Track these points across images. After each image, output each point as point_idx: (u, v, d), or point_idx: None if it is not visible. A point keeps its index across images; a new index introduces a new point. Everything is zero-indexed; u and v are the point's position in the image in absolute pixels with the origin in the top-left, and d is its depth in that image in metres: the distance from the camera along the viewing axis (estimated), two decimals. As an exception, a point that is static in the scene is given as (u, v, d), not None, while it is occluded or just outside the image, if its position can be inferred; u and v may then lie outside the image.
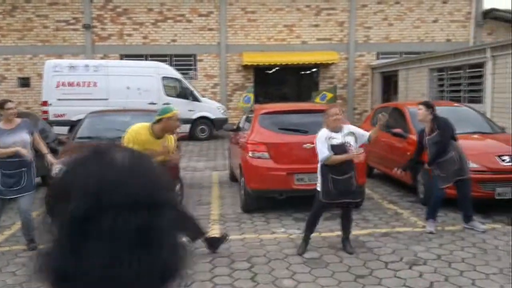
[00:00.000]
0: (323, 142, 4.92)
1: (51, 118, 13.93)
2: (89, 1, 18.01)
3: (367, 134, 5.23)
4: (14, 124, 5.32)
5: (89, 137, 7.31)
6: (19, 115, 6.81)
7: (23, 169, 5.22)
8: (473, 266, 4.59)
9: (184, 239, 0.80)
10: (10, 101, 5.54)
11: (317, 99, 14.77)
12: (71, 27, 18.14)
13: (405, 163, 6.23)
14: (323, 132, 4.99)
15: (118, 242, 0.69)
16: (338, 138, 4.91)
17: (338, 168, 4.88)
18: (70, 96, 14.44)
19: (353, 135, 5.05)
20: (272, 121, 7.01)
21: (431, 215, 5.70)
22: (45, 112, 14.11)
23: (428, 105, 5.81)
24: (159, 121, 4.65)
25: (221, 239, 5.16)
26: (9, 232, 6.00)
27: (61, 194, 0.74)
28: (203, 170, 10.65)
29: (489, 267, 4.58)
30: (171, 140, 4.84)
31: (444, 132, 5.63)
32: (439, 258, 4.81)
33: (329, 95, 14.67)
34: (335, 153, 4.87)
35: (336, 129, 4.97)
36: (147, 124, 4.74)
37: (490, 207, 6.43)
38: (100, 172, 0.73)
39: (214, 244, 5.09)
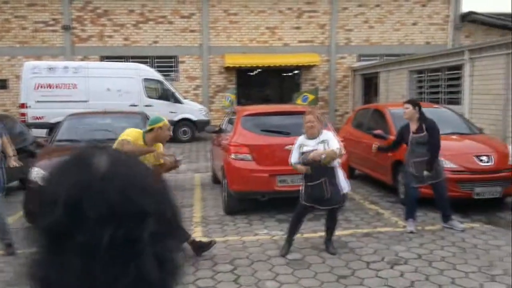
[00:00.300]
0: (295, 148, 5.04)
1: (30, 120, 13.70)
2: (68, 2, 17.78)
3: (337, 147, 4.91)
4: None
5: (68, 140, 7.19)
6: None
7: None
8: (453, 265, 4.66)
9: (174, 250, 0.74)
10: None
11: (299, 101, 14.81)
12: (50, 28, 17.87)
13: (384, 145, 6.37)
14: (299, 139, 5.09)
15: (93, 256, 0.64)
16: (309, 146, 4.90)
17: (309, 174, 4.88)
18: (49, 98, 14.20)
19: (325, 143, 4.91)
20: (255, 123, 7.01)
21: (409, 215, 5.77)
22: (23, 114, 13.86)
23: (414, 104, 5.88)
24: (150, 130, 4.67)
25: (208, 245, 5.10)
26: (-14, 237, 5.85)
27: (40, 202, 0.71)
28: (185, 172, 10.58)
29: (468, 265, 4.66)
30: (158, 147, 4.85)
31: (435, 133, 5.68)
32: (419, 258, 4.88)
33: (311, 97, 14.74)
34: (305, 160, 4.88)
35: (312, 136, 4.95)
36: (141, 131, 4.79)
37: (468, 207, 6.54)
38: (78, 180, 0.68)
39: (200, 248, 5.04)
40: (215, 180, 8.90)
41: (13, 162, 5.44)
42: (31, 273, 0.68)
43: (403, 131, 5.90)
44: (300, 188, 5.14)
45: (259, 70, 19.30)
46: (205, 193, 8.31)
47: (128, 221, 0.66)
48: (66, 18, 17.82)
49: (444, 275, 4.42)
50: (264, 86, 21.02)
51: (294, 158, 5.04)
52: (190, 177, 9.98)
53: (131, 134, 4.66)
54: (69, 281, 0.65)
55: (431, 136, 5.63)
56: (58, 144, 7.04)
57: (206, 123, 15.88)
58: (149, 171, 0.76)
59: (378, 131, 7.76)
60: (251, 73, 19.85)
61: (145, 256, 0.67)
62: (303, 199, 5.02)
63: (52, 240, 0.66)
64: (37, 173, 5.97)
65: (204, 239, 5.29)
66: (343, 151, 5.02)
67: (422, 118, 5.74)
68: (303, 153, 4.92)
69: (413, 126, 5.76)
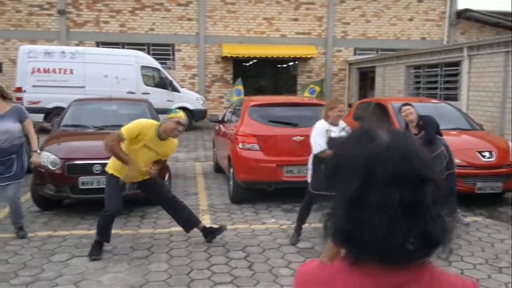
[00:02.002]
0: (320, 134, 4.81)
1: (26, 105, 13.48)
2: (64, -14, 17.53)
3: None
4: (2, 110, 5.12)
5: (74, 125, 7.17)
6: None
7: (13, 155, 5.09)
8: (461, 257, 4.79)
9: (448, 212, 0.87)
10: None
11: (306, 93, 14.86)
12: (45, 12, 17.62)
13: None
14: (322, 124, 4.90)
15: (386, 213, 0.78)
16: (335, 132, 4.98)
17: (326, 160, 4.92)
18: (45, 83, 14.07)
19: (346, 131, 5.10)
20: (262, 114, 7.06)
21: None
22: (19, 98, 13.68)
23: (412, 105, 5.96)
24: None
25: (219, 230, 5.18)
26: (-6, 220, 5.86)
27: (336, 168, 0.86)
28: (185, 161, 10.62)
29: (475, 257, 4.80)
30: (172, 144, 4.82)
31: (430, 128, 5.76)
32: (427, 249, 5.00)
33: (317, 89, 14.79)
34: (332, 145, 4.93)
35: (336, 124, 5.01)
36: (156, 123, 4.78)
37: (469, 201, 6.70)
38: (369, 150, 0.82)
39: (211, 234, 5.12)
40: (217, 169, 8.96)
41: (35, 159, 5.28)
42: (335, 227, 0.83)
43: None
44: (307, 178, 5.17)
45: (254, 61, 19.29)
46: (208, 181, 8.36)
47: (411, 184, 0.80)
48: (62, 2, 17.57)
49: (452, 266, 4.55)
50: (259, 77, 21.02)
51: (320, 144, 4.78)
52: (191, 166, 10.01)
53: (138, 126, 4.61)
54: (370, 233, 0.79)
55: (427, 131, 5.66)
56: (64, 129, 7.02)
57: (204, 112, 15.91)
58: (419, 143, 0.89)
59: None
60: (246, 64, 19.82)
61: (428, 215, 0.80)
62: (314, 187, 5.05)
63: (353, 199, 0.81)
64: (46, 157, 5.95)
65: (215, 226, 5.36)
66: None
67: (419, 117, 5.83)
68: (330, 138, 4.85)
69: (414, 128, 5.82)
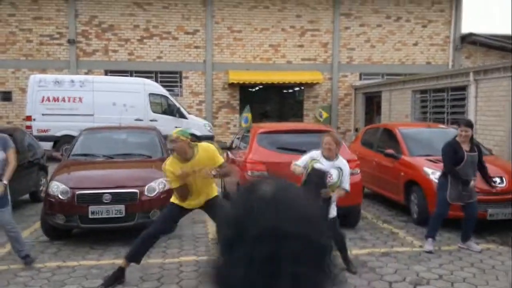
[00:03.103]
0: (306, 156, 4.97)
1: (35, 133, 13.66)
2: (74, 16, 17.94)
3: (347, 185, 4.99)
4: None
5: (84, 154, 7.22)
6: (4, 130, 6.64)
7: None
8: (475, 286, 4.71)
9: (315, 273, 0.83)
10: None
11: (317, 115, 15.01)
12: (56, 41, 17.98)
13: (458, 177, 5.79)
14: (315, 152, 5.00)
15: (252, 267, 0.78)
16: (323, 165, 4.86)
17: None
18: (55, 111, 14.25)
19: (340, 171, 4.95)
20: (270, 141, 7.09)
21: (431, 233, 5.82)
22: (29, 127, 13.85)
23: (471, 125, 5.95)
24: None
25: None
26: (4, 250, 5.85)
27: (221, 222, 0.89)
28: (193, 188, 10.59)
29: (490, 286, 4.71)
30: (204, 151, 4.70)
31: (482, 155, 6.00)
32: (441, 278, 4.93)
33: (325, 114, 14.88)
34: (314, 176, 4.78)
35: (329, 158, 4.95)
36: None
37: (482, 228, 6.61)
38: (245, 202, 0.83)
39: None
40: (226, 196, 8.93)
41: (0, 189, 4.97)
42: (211, 274, 0.84)
43: (456, 149, 5.76)
44: None
45: (261, 86, 19.46)
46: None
47: (278, 240, 0.79)
48: (72, 32, 17.95)
49: (467, 296, 4.47)
50: (265, 102, 21.15)
51: (300, 161, 4.95)
52: (199, 193, 9.98)
53: (165, 170, 4.73)
54: (234, 285, 0.79)
55: (479, 154, 5.90)
56: (74, 158, 7.06)
57: (210, 138, 15.96)
58: (307, 200, 0.88)
59: (389, 151, 7.86)
60: (252, 89, 20.00)
61: (284, 274, 0.79)
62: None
63: (225, 250, 0.82)
64: (56, 186, 5.98)
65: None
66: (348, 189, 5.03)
67: (472, 138, 5.88)
68: (313, 168, 4.84)
69: (467, 146, 5.82)
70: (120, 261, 4.92)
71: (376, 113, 18.08)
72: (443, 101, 13.16)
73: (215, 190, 5.01)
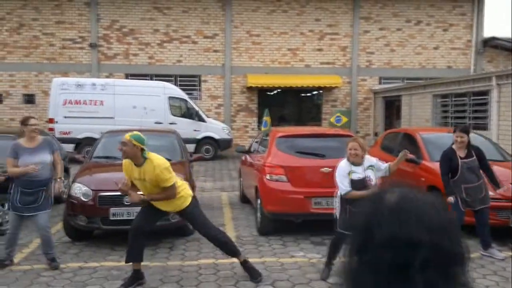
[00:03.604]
0: (343, 176, 4.85)
1: (57, 135, 13.89)
2: (96, 21, 18.24)
3: (386, 166, 5.09)
4: (36, 142, 5.29)
5: (105, 157, 7.33)
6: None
7: (42, 188, 5.22)
8: (498, 294, 4.63)
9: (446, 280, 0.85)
10: (33, 117, 5.53)
11: (332, 119, 14.89)
12: (78, 45, 18.30)
13: (448, 188, 5.83)
14: (343, 165, 4.92)
15: (376, 274, 0.81)
16: (358, 173, 4.84)
17: (357, 201, 4.80)
18: (76, 114, 14.50)
19: (373, 169, 4.97)
20: (289, 145, 7.08)
21: None
22: (51, 129, 14.11)
23: (467, 131, 5.92)
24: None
25: (255, 277, 4.99)
26: (28, 250, 5.97)
27: (351, 228, 0.93)
28: (211, 191, 10.66)
29: (514, 295, 4.62)
30: (151, 167, 4.56)
31: (484, 159, 5.88)
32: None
33: (344, 119, 14.80)
34: (356, 188, 4.78)
35: (356, 163, 4.94)
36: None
37: (505, 235, 6.48)
38: (371, 210, 0.87)
39: (249, 272, 5.02)
40: (244, 200, 8.96)
41: (59, 186, 5.42)
42: (343, 275, 0.88)
43: (451, 157, 5.78)
44: (335, 212, 5.11)
45: (279, 90, 19.47)
46: (235, 212, 8.35)
47: (403, 248, 0.81)
48: (93, 36, 18.25)
49: (490, 304, 4.39)
50: (283, 106, 21.15)
51: (345, 186, 4.83)
52: (217, 196, 10.04)
53: (123, 169, 4.83)
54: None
55: (482, 159, 5.80)
56: (96, 160, 7.18)
57: (229, 141, 16.06)
58: (435, 207, 0.88)
59: (410, 156, 7.76)
60: (270, 93, 20.02)
61: (415, 281, 0.80)
62: (340, 226, 4.92)
63: (354, 254, 0.86)
64: (78, 188, 6.08)
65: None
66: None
67: (470, 144, 5.83)
68: (353, 180, 4.81)
69: (462, 152, 5.77)
70: (141, 264, 4.97)
71: (396, 117, 17.91)
72: (464, 106, 12.96)
73: (187, 200, 4.87)
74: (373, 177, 4.91)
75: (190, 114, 15.58)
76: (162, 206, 4.82)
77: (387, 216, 0.84)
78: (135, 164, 4.63)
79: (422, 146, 7.86)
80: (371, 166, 4.92)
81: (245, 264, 5.02)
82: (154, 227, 5.44)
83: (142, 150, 4.58)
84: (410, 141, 8.45)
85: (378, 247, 0.81)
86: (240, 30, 18.79)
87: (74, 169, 8.54)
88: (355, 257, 0.86)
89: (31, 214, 5.20)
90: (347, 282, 0.86)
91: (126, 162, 4.74)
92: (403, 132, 9.20)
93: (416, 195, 0.89)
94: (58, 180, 5.44)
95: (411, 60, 19.31)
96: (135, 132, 4.69)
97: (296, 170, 6.70)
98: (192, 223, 5.07)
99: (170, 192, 4.68)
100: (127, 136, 4.56)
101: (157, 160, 4.62)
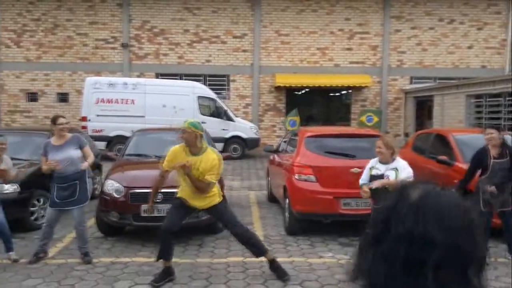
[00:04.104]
0: (366, 169, 5.12)
1: (90, 133, 14.25)
2: (128, 21, 18.58)
3: (406, 176, 4.87)
4: (63, 140, 5.44)
5: (136, 154, 7.46)
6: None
7: (76, 181, 5.36)
8: (535, 301, 4.48)
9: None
10: (62, 116, 5.66)
11: (363, 119, 14.71)
12: (110, 45, 18.69)
13: (462, 183, 5.89)
14: (372, 160, 5.13)
15: (389, 264, 0.82)
16: (379, 170, 4.90)
17: (377, 197, 4.75)
18: (108, 112, 14.83)
19: (396, 171, 4.89)
20: (318, 144, 7.04)
21: None
22: (84, 127, 14.47)
23: (499, 129, 5.78)
24: None
25: (282, 276, 4.99)
26: (62, 244, 6.14)
27: (372, 220, 0.93)
28: (239, 190, 10.71)
29: (552, 302, 4.47)
30: (208, 158, 4.68)
31: None
32: (498, 291, 4.72)
33: (375, 119, 14.61)
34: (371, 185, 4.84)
35: (383, 161, 4.95)
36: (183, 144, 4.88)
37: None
38: (391, 204, 0.87)
39: (275, 272, 5.03)
40: (271, 199, 8.97)
41: (84, 165, 5.39)
42: (356, 266, 0.89)
43: (481, 157, 5.68)
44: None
45: (307, 90, 19.38)
46: (262, 211, 8.37)
47: (419, 244, 0.81)
48: (125, 36, 18.60)
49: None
50: (311, 105, 21.04)
51: (362, 179, 5.12)
52: (245, 195, 10.07)
53: (168, 153, 4.90)
54: (373, 279, 0.84)
55: None
56: (127, 158, 7.32)
57: (257, 141, 16.10)
58: (458, 207, 0.86)
59: (442, 157, 7.61)
60: (298, 93, 19.96)
61: (427, 278, 0.80)
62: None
63: (371, 245, 0.87)
64: (111, 185, 6.22)
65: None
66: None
67: (505, 144, 5.65)
68: (372, 175, 4.93)
69: (495, 152, 5.61)
70: (171, 261, 5.03)
71: (427, 118, 17.55)
72: (499, 106, 12.59)
73: (216, 197, 4.94)
74: (392, 178, 4.84)
75: (218, 113, 15.70)
76: (194, 201, 4.87)
77: (407, 211, 0.84)
78: (192, 153, 4.72)
79: (455, 147, 7.68)
80: (395, 168, 4.86)
81: (272, 263, 5.03)
82: (183, 225, 5.52)
83: (201, 136, 4.72)
84: (442, 142, 8.27)
85: (394, 240, 0.82)
86: (269, 29, 18.79)
87: (106, 167, 8.74)
88: (370, 249, 0.86)
89: (68, 208, 5.36)
90: (361, 273, 0.87)
91: (177, 148, 4.82)
92: (435, 133, 9.01)
93: (440, 193, 0.88)
94: (86, 162, 5.44)
95: (443, 60, 18.89)
96: (190, 120, 4.87)
97: (325, 170, 6.66)
98: (221, 220, 5.13)
99: (207, 187, 4.76)
100: (185, 123, 4.72)
101: (217, 154, 4.81)
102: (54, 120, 5.52)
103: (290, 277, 4.99)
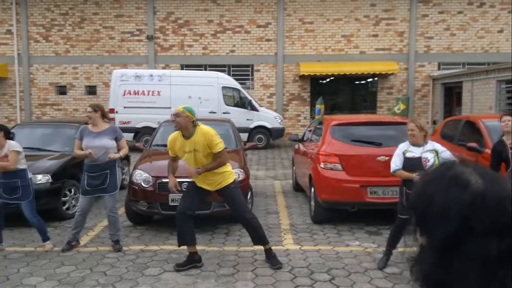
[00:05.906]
0: (398, 154, 4.89)
1: (117, 124, 14.52)
2: (152, 13, 18.74)
3: (451, 155, 4.92)
4: (101, 128, 5.58)
5: (163, 145, 7.56)
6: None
7: (106, 171, 5.49)
8: None
9: None
10: (90, 106, 5.74)
11: (395, 108, 14.56)
12: (136, 38, 18.92)
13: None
14: (402, 145, 4.97)
15: (483, 264, 0.75)
16: (415, 152, 4.82)
17: (410, 181, 4.65)
18: (135, 104, 15.06)
19: (434, 153, 4.84)
20: (344, 133, 6.98)
21: None
22: (112, 119, 14.65)
23: None
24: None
25: (274, 263, 5.06)
26: (93, 233, 6.32)
27: (425, 212, 0.83)
28: (264, 179, 10.74)
29: None
30: (202, 134, 4.79)
31: None
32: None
33: (402, 106, 14.42)
34: (409, 166, 4.75)
35: (416, 144, 4.88)
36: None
37: None
38: (464, 199, 0.80)
39: (269, 259, 5.11)
40: (297, 188, 8.97)
41: (113, 155, 5.50)
42: (424, 274, 0.81)
43: (501, 149, 5.38)
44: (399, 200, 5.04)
45: (332, 78, 19.20)
46: (288, 200, 8.39)
47: (509, 233, 0.76)
48: (150, 29, 18.79)
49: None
50: (336, 94, 20.85)
51: (395, 164, 4.85)
52: (270, 184, 10.11)
53: (168, 142, 5.10)
54: (465, 284, 0.77)
55: None
56: (155, 148, 7.44)
57: (281, 130, 16.08)
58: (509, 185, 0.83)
59: (472, 144, 7.45)
60: (323, 81, 19.79)
61: None
62: (399, 211, 4.91)
63: (445, 247, 0.79)
64: (139, 175, 6.34)
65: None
66: None
67: None
68: (407, 158, 4.81)
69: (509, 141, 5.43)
70: (196, 248, 5.12)
71: (455, 104, 17.16)
72: (532, 91, 12.19)
73: (230, 177, 5.03)
74: (431, 160, 4.76)
75: (243, 103, 15.74)
76: (206, 183, 4.94)
77: (484, 202, 0.78)
78: (184, 137, 4.85)
79: (485, 134, 7.50)
80: (433, 150, 4.80)
81: (269, 251, 5.11)
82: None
83: (193, 122, 4.82)
84: (472, 129, 8.09)
85: (482, 236, 0.76)
86: (293, 18, 18.65)
87: (134, 157, 8.91)
88: (446, 253, 0.79)
89: (99, 195, 5.51)
90: (442, 275, 0.79)
91: (173, 137, 4.95)
92: (464, 120, 8.81)
93: (493, 176, 0.84)
94: (114, 154, 5.53)
95: (472, 44, 18.39)
96: (186, 105, 4.99)
97: (351, 159, 6.61)
98: (230, 202, 5.14)
99: (221, 158, 4.87)
100: (180, 107, 4.85)
101: (206, 128, 4.89)
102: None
103: (282, 265, 5.05)
